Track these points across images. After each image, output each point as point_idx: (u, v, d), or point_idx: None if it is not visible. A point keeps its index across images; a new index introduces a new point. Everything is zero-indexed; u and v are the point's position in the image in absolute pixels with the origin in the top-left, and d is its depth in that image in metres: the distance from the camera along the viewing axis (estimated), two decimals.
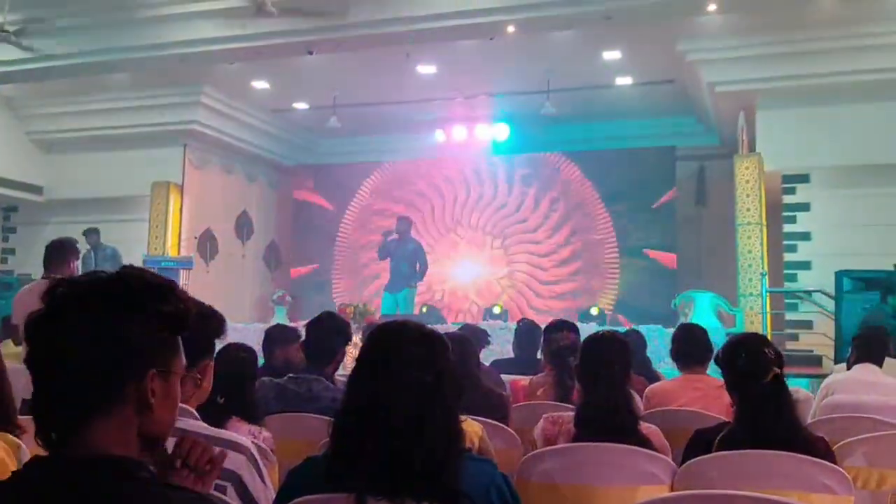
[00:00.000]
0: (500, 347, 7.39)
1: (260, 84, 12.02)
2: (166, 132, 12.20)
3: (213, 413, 2.00)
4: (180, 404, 1.86)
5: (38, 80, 11.38)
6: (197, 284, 11.24)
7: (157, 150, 12.39)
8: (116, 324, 1.18)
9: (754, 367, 2.59)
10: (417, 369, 1.65)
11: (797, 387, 4.35)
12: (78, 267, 5.09)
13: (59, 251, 4.88)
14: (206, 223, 13.04)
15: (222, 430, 1.97)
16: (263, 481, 1.90)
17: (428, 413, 1.62)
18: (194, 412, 1.95)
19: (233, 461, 1.82)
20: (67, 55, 10.34)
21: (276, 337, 4.62)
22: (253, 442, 2.07)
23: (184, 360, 1.30)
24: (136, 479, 1.15)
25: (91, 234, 11.03)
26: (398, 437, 1.58)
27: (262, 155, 14.00)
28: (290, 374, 3.58)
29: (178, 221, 12.45)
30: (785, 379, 2.62)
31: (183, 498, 1.21)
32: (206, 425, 1.92)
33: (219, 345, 2.19)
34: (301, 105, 13.00)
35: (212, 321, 2.02)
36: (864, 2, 8.96)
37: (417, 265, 10.75)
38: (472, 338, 4.11)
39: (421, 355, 1.68)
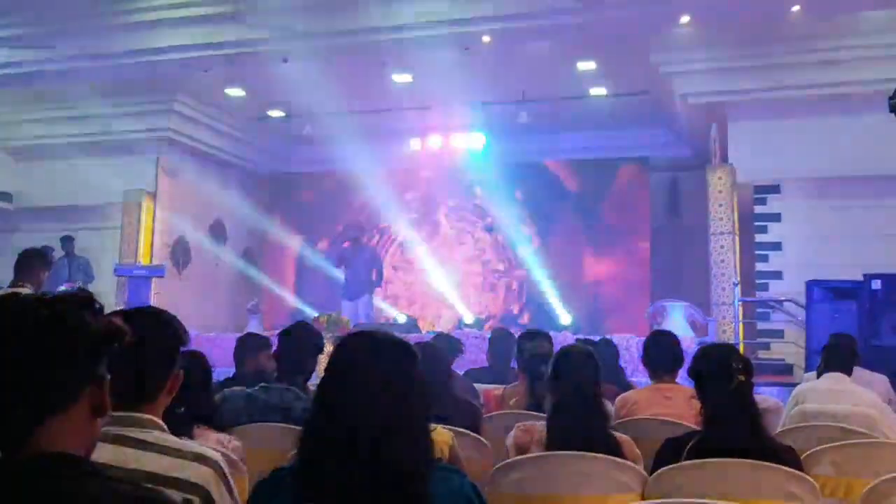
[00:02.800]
0: (474, 356, 7.39)
1: (234, 92, 11.96)
2: (139, 140, 12.09)
3: (176, 423, 1.97)
4: (151, 416, 1.85)
5: (8, 87, 11.24)
6: (169, 293, 11.15)
7: (130, 158, 12.28)
8: (83, 324, 1.22)
9: (719, 376, 2.61)
10: (385, 379, 1.64)
11: (766, 396, 4.39)
12: (47, 277, 5.05)
13: (29, 261, 4.85)
14: (180, 231, 12.93)
15: (189, 442, 1.94)
16: (231, 495, 1.88)
17: (396, 423, 1.61)
18: (163, 424, 1.92)
19: (199, 474, 1.79)
20: (39, 61, 10.24)
21: (247, 345, 4.59)
22: (222, 452, 2.04)
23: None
24: (86, 473, 1.18)
25: (67, 241, 11.03)
26: (366, 448, 1.57)
27: (237, 163, 13.91)
28: (262, 384, 3.56)
29: (150, 230, 12.34)
30: (751, 387, 2.64)
31: (131, 494, 1.21)
32: (174, 437, 1.90)
33: None
34: (276, 113, 12.95)
35: (178, 330, 2.00)
36: (834, 17, 9.11)
37: (374, 272, 10.81)
38: (444, 347, 4.11)
39: (389, 365, 1.67)
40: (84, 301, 1.26)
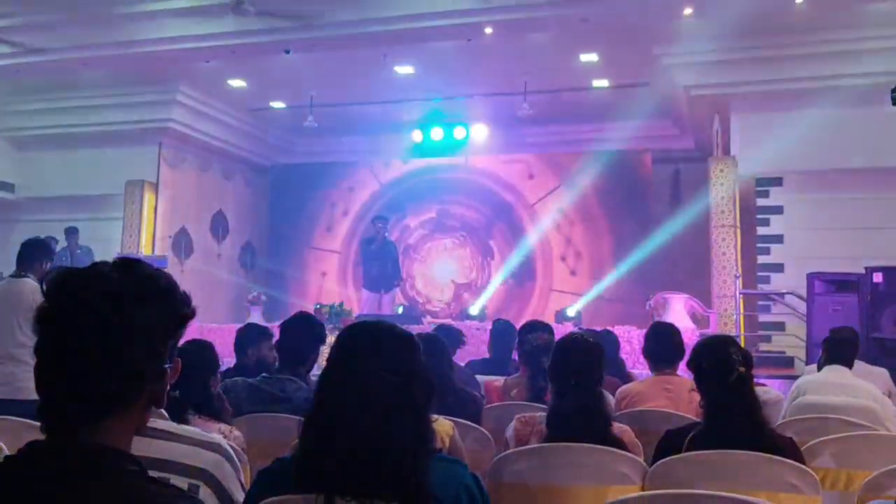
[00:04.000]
0: (475, 348, 7.40)
1: (237, 83, 11.94)
2: (141, 130, 12.08)
3: (171, 409, 1.98)
4: None
5: (10, 77, 11.23)
6: None
7: (132, 149, 12.27)
8: (150, 318, 1.20)
9: (719, 367, 2.62)
10: (387, 370, 1.64)
11: (768, 388, 4.40)
12: (49, 268, 5.05)
13: (31, 251, 4.86)
14: (181, 222, 12.94)
15: (195, 429, 1.96)
16: (240, 480, 1.88)
17: (397, 414, 1.61)
18: (163, 411, 1.93)
19: (207, 460, 1.80)
20: (41, 51, 10.22)
21: (249, 336, 4.60)
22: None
23: None
24: (129, 472, 1.16)
25: (71, 233, 11.03)
26: (367, 438, 1.58)
27: (239, 154, 13.91)
28: (264, 375, 3.58)
29: (152, 220, 12.34)
30: (751, 379, 2.65)
31: (168, 494, 1.21)
32: (175, 424, 1.91)
33: None
34: (278, 104, 12.94)
35: None
36: (837, 8, 9.07)
37: (390, 265, 10.84)
38: (446, 338, 4.11)
39: (391, 355, 1.67)
40: (163, 292, 1.24)
